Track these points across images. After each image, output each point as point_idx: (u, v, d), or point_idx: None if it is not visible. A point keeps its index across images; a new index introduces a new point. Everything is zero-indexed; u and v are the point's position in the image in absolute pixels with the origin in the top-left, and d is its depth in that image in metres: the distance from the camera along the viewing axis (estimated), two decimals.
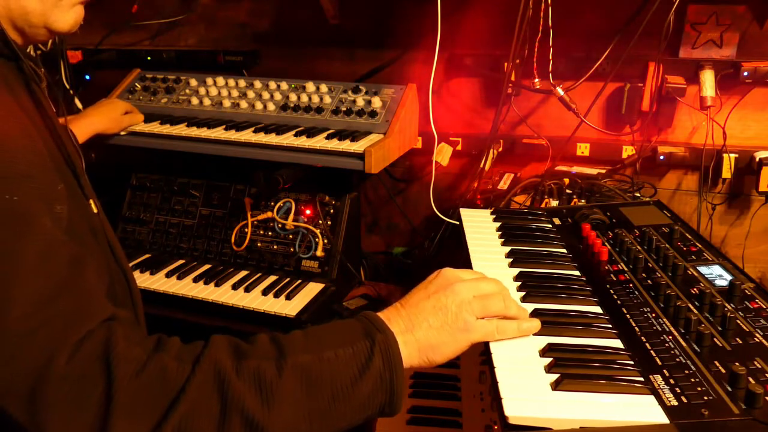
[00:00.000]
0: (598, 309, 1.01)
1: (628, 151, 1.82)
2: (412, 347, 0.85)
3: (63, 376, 0.68)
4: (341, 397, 0.78)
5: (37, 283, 0.71)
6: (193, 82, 2.01)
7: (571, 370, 0.82)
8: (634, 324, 0.95)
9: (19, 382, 0.67)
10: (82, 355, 0.70)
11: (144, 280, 1.77)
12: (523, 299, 1.02)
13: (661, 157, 1.78)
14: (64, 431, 0.67)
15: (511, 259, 1.18)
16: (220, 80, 1.99)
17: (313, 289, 1.73)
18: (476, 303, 0.88)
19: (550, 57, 1.68)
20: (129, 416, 0.68)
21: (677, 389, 0.79)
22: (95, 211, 0.99)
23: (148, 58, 2.17)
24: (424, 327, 0.86)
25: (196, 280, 1.77)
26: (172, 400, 0.71)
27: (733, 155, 1.74)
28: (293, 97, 1.89)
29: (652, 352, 0.88)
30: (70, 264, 0.76)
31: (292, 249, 1.82)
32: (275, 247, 1.84)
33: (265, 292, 1.70)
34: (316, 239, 1.80)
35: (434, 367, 0.88)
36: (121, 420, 0.68)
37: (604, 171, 1.82)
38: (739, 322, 0.93)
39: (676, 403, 0.76)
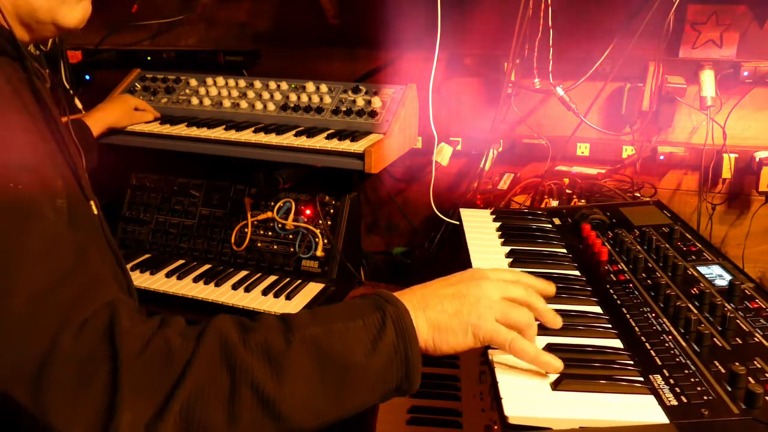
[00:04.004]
0: (598, 309, 1.01)
1: (628, 151, 1.82)
2: (422, 323, 0.81)
3: (68, 355, 0.67)
4: (355, 371, 0.75)
5: (43, 268, 0.70)
6: (193, 82, 2.01)
7: (570, 370, 0.82)
8: (634, 324, 0.95)
9: (25, 367, 0.66)
10: (87, 334, 0.69)
11: (144, 280, 1.77)
12: None
13: (661, 157, 1.79)
14: (69, 412, 0.66)
15: (511, 259, 1.18)
16: (220, 80, 1.99)
17: (313, 289, 1.73)
18: (498, 304, 0.84)
19: (550, 57, 1.68)
20: (136, 394, 0.67)
21: (677, 389, 0.79)
22: (96, 212, 1.00)
23: (148, 58, 2.17)
24: (438, 309, 0.82)
25: (196, 280, 1.77)
26: (179, 376, 0.69)
27: (733, 155, 1.74)
28: (293, 97, 1.89)
29: (652, 352, 0.88)
30: (76, 250, 0.75)
31: (292, 249, 1.82)
32: (275, 247, 1.84)
33: (265, 292, 1.70)
34: (316, 239, 1.80)
35: (436, 355, 0.83)
36: (129, 398, 0.66)
37: (604, 171, 1.82)
38: (739, 322, 0.93)
39: (676, 403, 0.76)
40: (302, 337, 0.75)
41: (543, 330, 0.92)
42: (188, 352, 0.71)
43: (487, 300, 0.84)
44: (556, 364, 0.82)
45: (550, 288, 0.95)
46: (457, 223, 1.42)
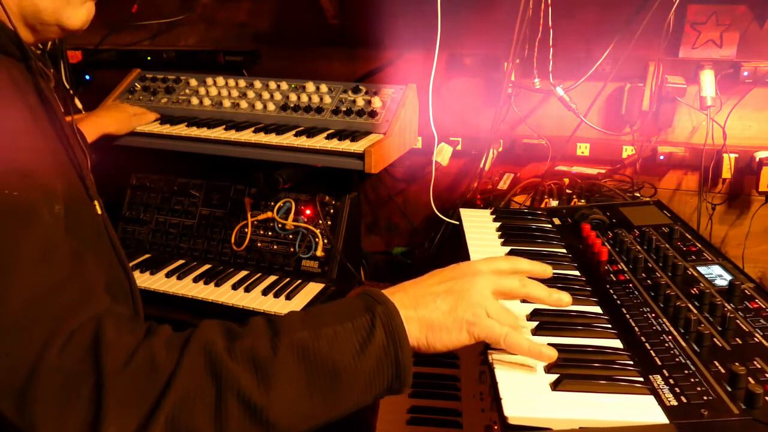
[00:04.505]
0: (597, 309, 1.01)
1: (628, 151, 1.82)
2: (413, 324, 0.81)
3: (54, 368, 0.67)
4: (344, 374, 0.75)
5: (36, 277, 0.70)
6: (193, 82, 2.01)
7: (570, 370, 0.82)
8: (633, 324, 0.95)
9: (12, 377, 0.66)
10: (73, 346, 0.69)
11: (144, 280, 1.77)
12: (523, 300, 1.02)
13: (661, 157, 1.78)
14: (56, 425, 0.66)
15: None
16: (220, 80, 1.99)
17: (313, 289, 1.73)
18: (491, 302, 0.84)
19: (550, 57, 1.68)
20: (120, 408, 0.67)
21: (677, 389, 0.79)
22: (99, 212, 0.99)
23: (148, 58, 2.17)
24: (431, 308, 0.82)
25: (196, 280, 1.77)
26: (163, 387, 0.69)
27: (733, 155, 1.74)
28: (293, 97, 1.89)
29: (651, 352, 0.88)
30: (70, 258, 0.75)
31: (292, 249, 1.82)
32: (275, 247, 1.84)
33: (265, 292, 1.70)
34: (316, 239, 1.80)
35: (430, 353, 0.82)
36: (113, 412, 0.66)
37: (604, 171, 1.82)
38: (738, 322, 0.93)
39: (675, 403, 0.76)
40: (289, 342, 0.75)
41: (543, 330, 0.93)
42: (172, 363, 0.71)
43: (480, 296, 0.84)
44: (550, 353, 0.82)
45: (547, 270, 0.94)
46: (457, 223, 1.42)
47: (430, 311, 0.82)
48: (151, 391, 0.69)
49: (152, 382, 0.69)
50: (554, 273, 1.13)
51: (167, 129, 1.82)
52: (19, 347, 0.67)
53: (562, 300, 0.90)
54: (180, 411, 0.69)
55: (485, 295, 0.84)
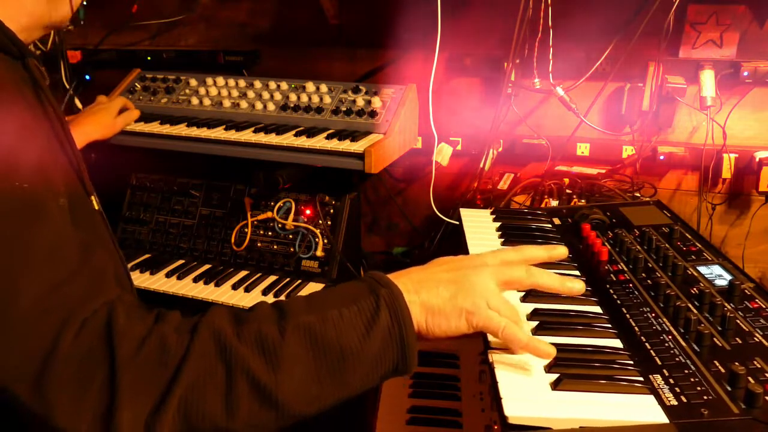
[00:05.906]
0: (597, 309, 1.01)
1: (628, 151, 1.82)
2: (416, 308, 0.82)
3: (68, 355, 0.68)
4: (350, 356, 0.76)
5: (49, 269, 0.71)
6: (193, 82, 2.01)
7: (570, 369, 0.82)
8: (633, 324, 0.95)
9: (27, 366, 0.67)
10: (86, 333, 0.70)
11: (144, 280, 1.77)
12: (523, 299, 1.02)
13: (661, 157, 1.78)
14: (71, 411, 0.67)
15: None
16: (220, 80, 1.99)
17: (313, 289, 1.73)
18: (493, 294, 0.85)
19: (550, 57, 1.68)
20: (133, 393, 0.69)
21: (677, 389, 0.79)
22: (96, 207, 1.00)
23: (148, 58, 2.17)
24: (432, 293, 0.83)
25: (196, 280, 1.77)
26: (175, 372, 0.71)
27: (733, 155, 1.74)
28: (293, 97, 1.89)
29: (651, 351, 0.88)
30: (80, 249, 0.77)
31: (292, 249, 1.82)
32: (275, 247, 1.84)
33: (265, 292, 1.70)
34: (316, 239, 1.80)
35: (429, 339, 0.83)
36: (126, 397, 0.68)
37: (604, 171, 1.82)
38: (738, 321, 0.93)
39: (675, 403, 0.76)
40: (296, 325, 0.76)
41: (543, 330, 0.93)
42: (183, 347, 0.72)
43: (482, 287, 0.84)
44: (549, 349, 0.82)
45: (557, 250, 0.93)
46: (457, 223, 1.42)
47: (431, 296, 0.83)
48: (163, 376, 0.71)
49: (164, 367, 0.71)
50: (554, 273, 1.13)
51: (167, 129, 1.82)
52: (34, 335, 0.68)
53: (574, 288, 0.89)
54: (192, 394, 0.70)
55: (488, 287, 0.85)
